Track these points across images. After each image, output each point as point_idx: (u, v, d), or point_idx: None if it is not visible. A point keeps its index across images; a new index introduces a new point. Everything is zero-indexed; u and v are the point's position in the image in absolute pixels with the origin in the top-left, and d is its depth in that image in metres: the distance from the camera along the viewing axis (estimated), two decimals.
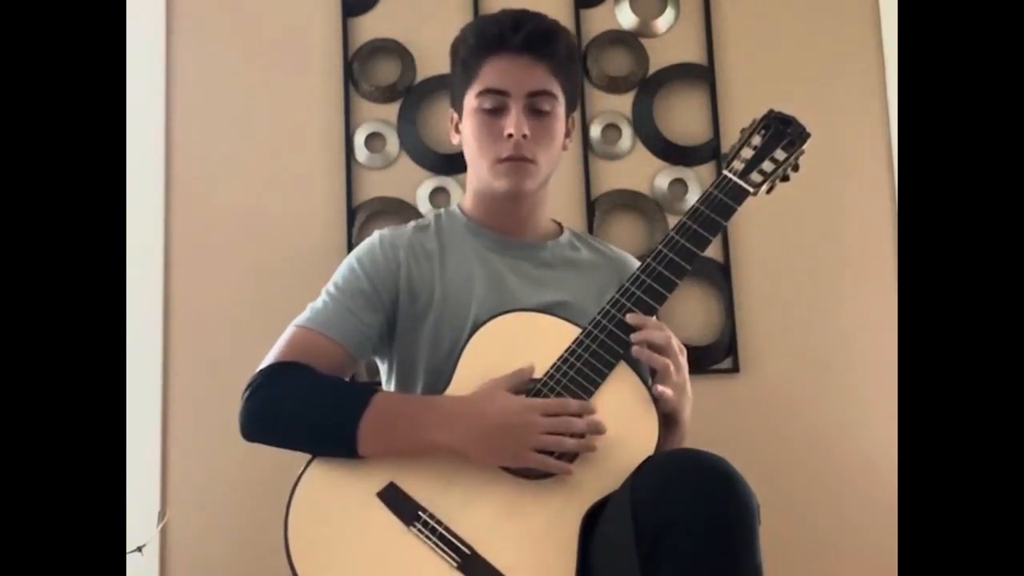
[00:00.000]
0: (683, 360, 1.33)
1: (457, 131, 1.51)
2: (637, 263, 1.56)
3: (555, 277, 1.47)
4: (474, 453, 1.23)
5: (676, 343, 1.32)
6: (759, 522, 1.12)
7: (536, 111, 1.41)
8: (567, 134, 1.49)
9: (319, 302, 1.41)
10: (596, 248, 1.56)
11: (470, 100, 1.44)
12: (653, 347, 1.29)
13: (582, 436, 1.23)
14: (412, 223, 1.52)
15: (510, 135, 1.39)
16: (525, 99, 1.40)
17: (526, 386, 1.28)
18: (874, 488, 2.02)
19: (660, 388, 1.27)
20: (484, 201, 1.49)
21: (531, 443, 1.21)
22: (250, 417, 1.32)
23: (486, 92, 1.41)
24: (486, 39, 1.43)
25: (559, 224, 1.56)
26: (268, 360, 1.36)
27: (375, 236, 1.47)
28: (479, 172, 1.46)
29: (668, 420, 1.32)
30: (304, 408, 1.30)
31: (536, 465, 1.22)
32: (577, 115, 1.58)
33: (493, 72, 1.42)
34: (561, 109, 1.45)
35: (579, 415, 1.24)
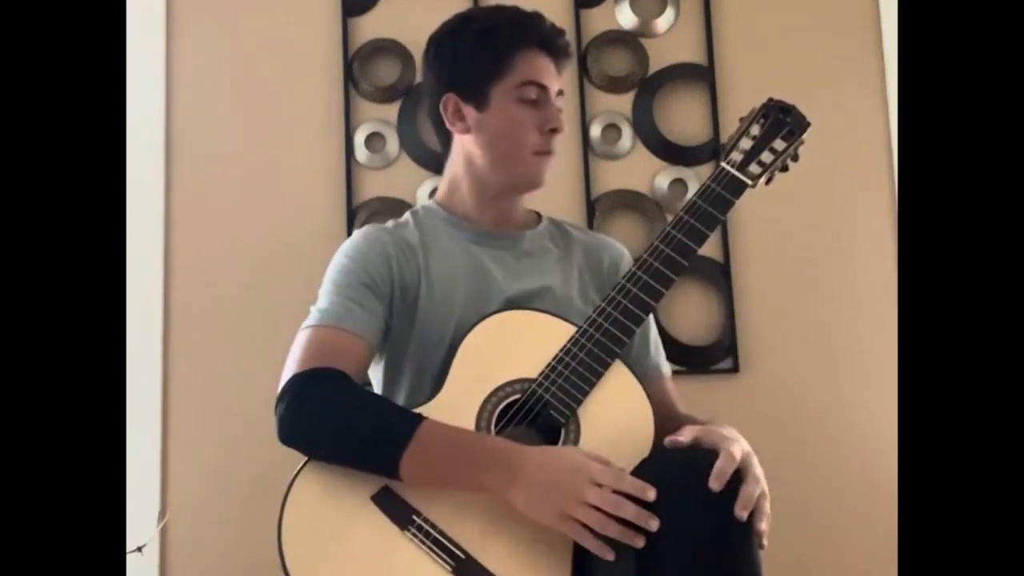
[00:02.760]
0: (763, 484, 1.15)
1: (458, 117, 1.46)
2: (619, 246, 1.56)
3: (536, 265, 1.46)
4: (516, 502, 1.16)
5: (751, 478, 1.13)
6: None
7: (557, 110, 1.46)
8: None
9: (323, 302, 1.37)
10: (575, 234, 1.55)
11: (505, 90, 1.42)
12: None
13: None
14: (390, 221, 1.50)
15: (553, 129, 1.42)
16: (555, 97, 1.45)
17: (521, 386, 1.27)
18: (874, 487, 2.02)
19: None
20: (474, 192, 1.48)
21: (572, 509, 1.12)
22: (290, 428, 1.25)
23: (530, 84, 1.42)
24: (527, 33, 1.44)
25: (537, 214, 1.56)
26: (293, 367, 1.29)
27: (357, 234, 1.46)
28: (500, 162, 1.44)
29: None
30: (349, 429, 1.24)
31: (574, 536, 1.13)
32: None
33: (534, 66, 1.43)
34: None
35: (632, 496, 1.10)
